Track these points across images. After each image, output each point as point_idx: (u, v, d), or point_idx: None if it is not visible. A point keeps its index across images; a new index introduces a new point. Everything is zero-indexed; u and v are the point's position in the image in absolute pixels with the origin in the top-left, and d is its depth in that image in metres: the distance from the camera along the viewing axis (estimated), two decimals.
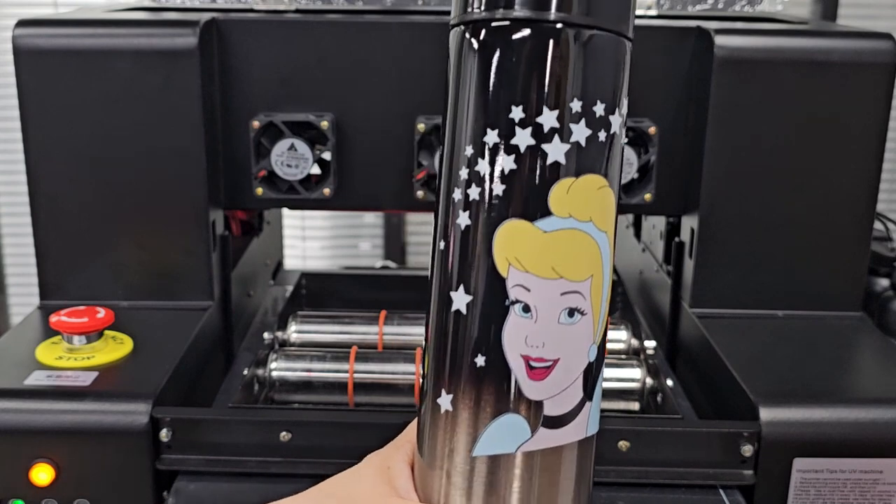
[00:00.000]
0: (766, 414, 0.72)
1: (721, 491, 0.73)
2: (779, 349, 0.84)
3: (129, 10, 1.00)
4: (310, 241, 1.89)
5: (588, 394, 0.41)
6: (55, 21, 0.89)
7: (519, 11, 0.39)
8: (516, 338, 0.40)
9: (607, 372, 0.87)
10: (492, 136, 0.39)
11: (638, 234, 1.18)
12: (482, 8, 0.40)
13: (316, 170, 0.92)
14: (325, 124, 0.89)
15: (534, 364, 0.40)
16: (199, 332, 0.86)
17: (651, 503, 0.72)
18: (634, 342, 0.96)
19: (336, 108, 0.90)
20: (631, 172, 0.90)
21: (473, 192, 0.40)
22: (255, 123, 0.89)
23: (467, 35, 0.41)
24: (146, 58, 0.85)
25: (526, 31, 0.39)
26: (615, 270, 1.31)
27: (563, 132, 0.39)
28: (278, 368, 0.88)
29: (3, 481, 0.72)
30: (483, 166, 0.40)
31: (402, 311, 0.98)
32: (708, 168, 0.87)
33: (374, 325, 0.96)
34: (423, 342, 0.44)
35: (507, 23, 0.39)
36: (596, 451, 0.45)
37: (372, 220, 1.89)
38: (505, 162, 0.39)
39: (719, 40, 0.85)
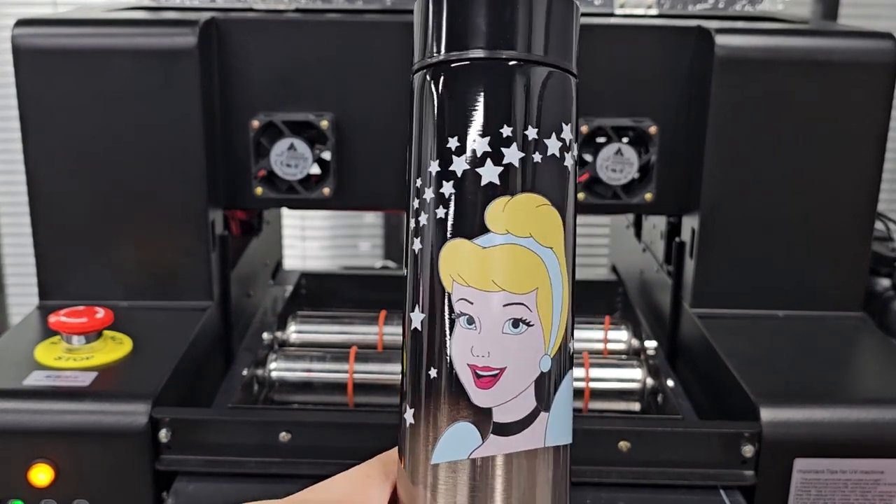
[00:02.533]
0: (766, 414, 0.72)
1: (722, 491, 0.73)
2: (780, 349, 0.84)
3: (128, 10, 1.00)
4: (309, 241, 1.89)
5: (543, 404, 0.43)
6: (54, 21, 0.89)
7: (441, 56, 0.44)
8: (463, 348, 0.43)
9: (609, 373, 0.87)
10: (434, 166, 0.44)
11: (638, 234, 1.18)
12: (425, 53, 0.45)
13: (315, 169, 0.92)
14: (324, 124, 0.89)
15: (481, 373, 0.43)
16: (199, 332, 0.86)
17: (651, 503, 0.72)
18: (635, 342, 0.96)
19: (336, 107, 0.90)
20: (631, 172, 0.89)
21: (422, 219, 0.44)
22: (255, 123, 0.89)
23: (411, 78, 0.45)
24: (146, 57, 0.85)
25: (450, 70, 0.44)
26: (615, 270, 1.31)
27: (495, 156, 0.43)
28: (278, 369, 0.88)
29: (3, 482, 0.72)
30: (428, 194, 0.44)
31: (402, 311, 0.97)
32: (708, 168, 0.87)
33: (374, 325, 0.96)
34: None
35: (433, 63, 0.44)
36: (572, 462, 0.47)
37: (372, 219, 1.89)
38: (445, 188, 0.44)
39: (720, 40, 0.85)
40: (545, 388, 0.43)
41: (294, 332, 0.97)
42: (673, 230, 0.99)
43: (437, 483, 0.44)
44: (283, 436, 0.73)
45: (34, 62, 0.85)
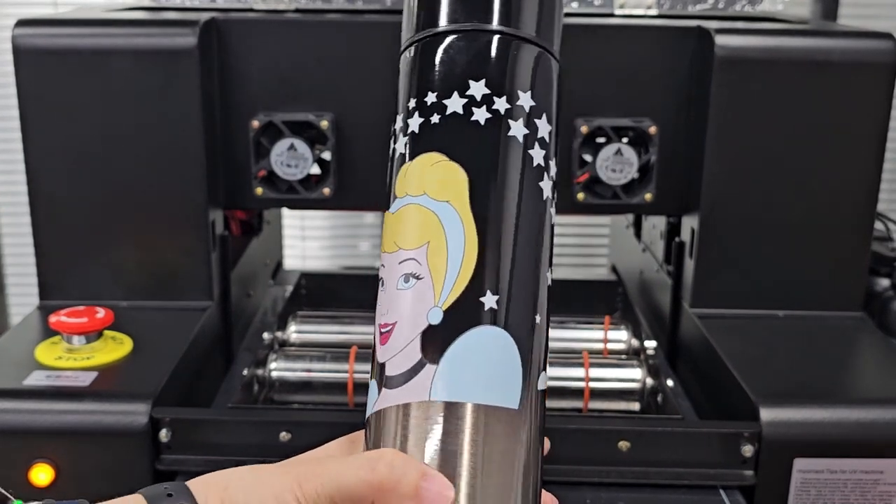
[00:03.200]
0: (766, 414, 0.72)
1: (721, 491, 0.73)
2: (779, 349, 0.84)
3: (128, 10, 1.00)
4: (309, 241, 1.89)
5: (431, 357, 0.42)
6: (55, 21, 0.89)
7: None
8: (378, 310, 0.45)
9: (609, 372, 0.87)
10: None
11: (638, 234, 1.18)
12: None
13: (316, 170, 0.92)
14: (324, 124, 0.89)
15: (382, 329, 0.44)
16: (199, 332, 0.86)
17: (651, 503, 0.72)
18: (635, 342, 0.96)
19: (336, 107, 0.90)
20: (631, 172, 0.89)
21: None
22: (255, 123, 0.89)
23: None
24: (146, 57, 0.85)
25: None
26: (615, 270, 1.31)
27: (405, 128, 0.46)
28: (278, 368, 0.88)
29: (3, 481, 0.72)
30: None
31: None
32: (708, 168, 0.87)
33: (373, 325, 0.95)
34: None
35: None
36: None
37: (372, 219, 1.88)
38: (387, 174, 0.48)
39: (720, 40, 0.85)
40: (437, 342, 0.42)
41: (294, 332, 0.97)
42: (673, 230, 0.99)
43: (366, 440, 0.44)
44: (283, 436, 0.73)
45: (34, 62, 0.85)
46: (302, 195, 0.91)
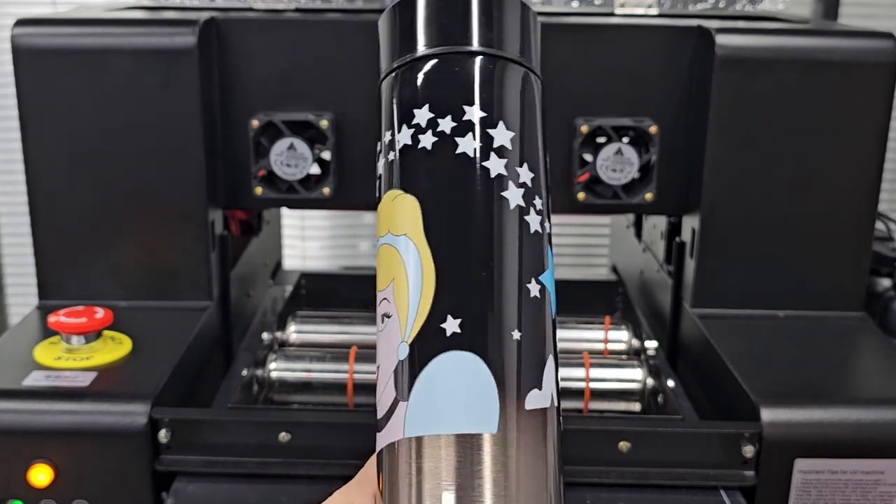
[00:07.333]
0: (767, 414, 0.72)
1: (722, 492, 0.73)
2: (780, 349, 0.84)
3: (127, 9, 1.00)
4: (309, 240, 1.89)
5: (402, 394, 0.40)
6: (54, 20, 0.89)
7: None
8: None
9: (609, 373, 0.87)
10: None
11: (639, 234, 1.18)
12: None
13: (315, 169, 0.92)
14: (324, 124, 0.89)
15: (373, 376, 0.43)
16: (199, 332, 0.86)
17: (652, 503, 0.72)
18: (635, 342, 0.96)
19: (336, 107, 0.90)
20: (632, 172, 0.89)
21: None
22: (255, 123, 0.89)
23: None
24: (145, 57, 0.85)
25: None
26: (615, 270, 1.31)
27: (377, 171, 0.46)
28: (277, 369, 0.88)
29: (2, 482, 0.72)
30: None
31: None
32: (709, 167, 0.87)
33: (373, 325, 0.95)
34: None
35: None
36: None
37: (372, 219, 1.88)
38: None
39: (720, 39, 0.85)
40: (402, 377, 0.41)
41: (294, 332, 0.97)
42: (673, 230, 0.99)
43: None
44: (283, 436, 0.73)
45: (34, 62, 0.85)
46: (302, 195, 0.91)
